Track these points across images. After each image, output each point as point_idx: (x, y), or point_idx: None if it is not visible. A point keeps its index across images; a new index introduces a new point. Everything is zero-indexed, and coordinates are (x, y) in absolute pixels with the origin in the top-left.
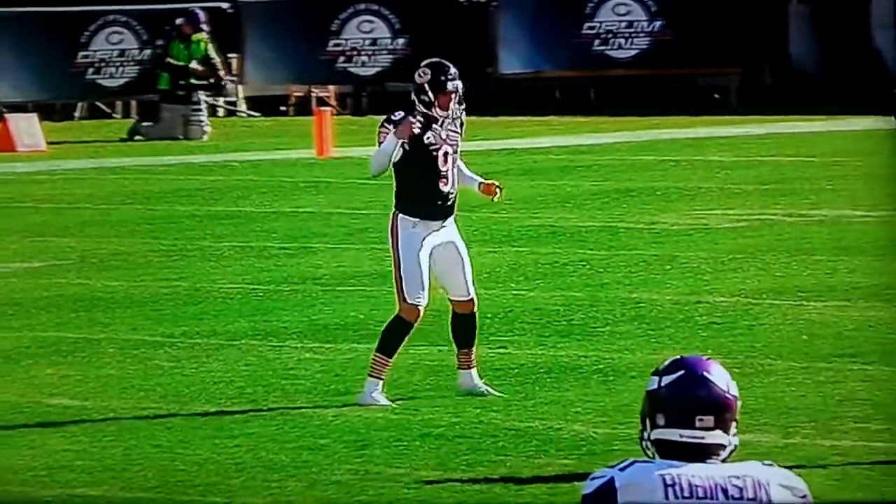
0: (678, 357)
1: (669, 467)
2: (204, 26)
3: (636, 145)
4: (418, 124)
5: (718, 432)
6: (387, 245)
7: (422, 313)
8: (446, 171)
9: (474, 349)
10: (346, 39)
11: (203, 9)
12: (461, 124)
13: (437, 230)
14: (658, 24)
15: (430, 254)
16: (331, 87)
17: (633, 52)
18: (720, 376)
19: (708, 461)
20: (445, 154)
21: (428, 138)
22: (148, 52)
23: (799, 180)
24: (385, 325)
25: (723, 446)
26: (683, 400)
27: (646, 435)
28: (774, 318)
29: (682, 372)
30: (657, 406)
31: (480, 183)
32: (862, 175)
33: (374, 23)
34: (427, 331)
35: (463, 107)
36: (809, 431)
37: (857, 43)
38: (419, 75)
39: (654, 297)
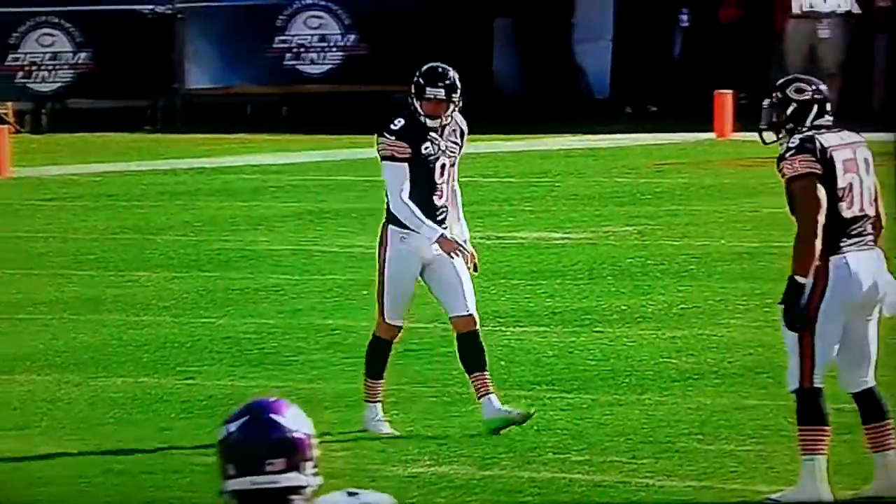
0: (248, 402)
1: None
2: None
3: (331, 164)
4: (462, 249)
5: (293, 474)
6: (67, 271)
7: (399, 333)
8: (441, 184)
9: (487, 372)
10: (24, 53)
11: None
12: (461, 134)
13: (430, 244)
14: (352, 38)
15: (423, 270)
16: (9, 104)
17: (325, 68)
18: (289, 416)
19: None
20: (443, 166)
21: (426, 148)
22: None
23: (497, 202)
24: (366, 348)
25: (302, 488)
26: (250, 445)
27: (223, 488)
28: None
29: (246, 417)
30: (226, 456)
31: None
32: (561, 196)
33: (54, 36)
34: (109, 361)
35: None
36: (507, 463)
37: (559, 59)
38: (413, 79)
39: (350, 324)
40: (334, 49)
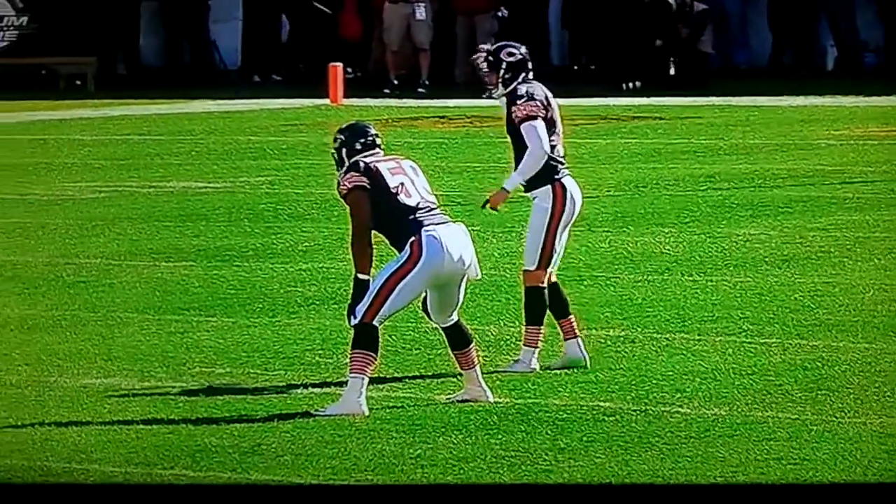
0: None
1: None
2: None
3: (9, 126)
4: None
5: None
6: None
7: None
8: None
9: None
10: None
11: None
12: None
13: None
14: (25, 19)
15: None
16: None
17: (3, 44)
18: None
19: None
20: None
21: None
22: None
23: (150, 156)
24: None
25: None
26: None
27: None
28: (131, 276)
29: None
30: None
31: None
32: (203, 151)
33: None
34: None
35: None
36: (162, 375)
37: (197, 36)
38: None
39: (29, 260)
40: (10, 28)
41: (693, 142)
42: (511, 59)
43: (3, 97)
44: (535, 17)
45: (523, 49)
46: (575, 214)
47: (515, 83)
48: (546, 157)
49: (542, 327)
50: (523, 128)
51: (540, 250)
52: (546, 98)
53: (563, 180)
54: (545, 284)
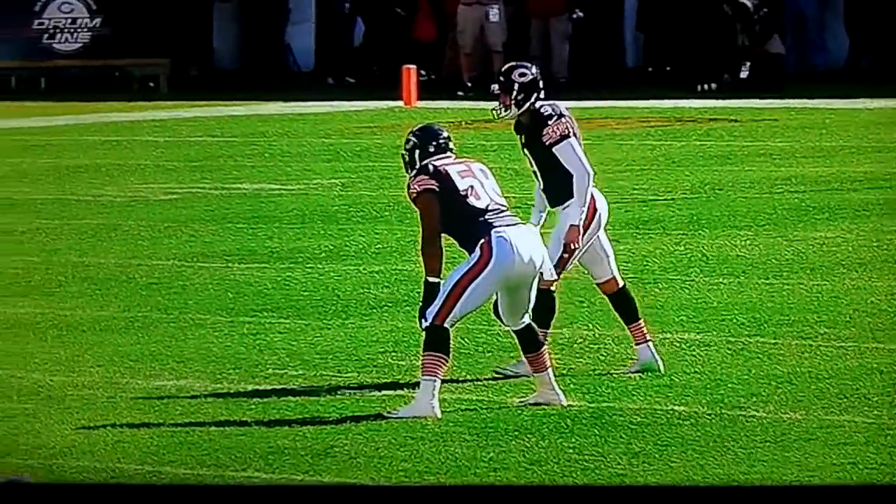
0: None
1: None
2: None
3: (82, 127)
4: None
5: None
6: None
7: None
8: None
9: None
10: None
11: None
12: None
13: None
14: (98, 20)
15: None
16: None
17: (77, 46)
18: None
19: None
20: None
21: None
22: None
23: (223, 158)
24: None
25: None
26: None
27: None
28: (203, 278)
29: None
30: None
31: None
32: (276, 153)
33: None
34: None
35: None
36: (235, 377)
37: (272, 39)
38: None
39: (101, 261)
40: (84, 30)
41: (769, 144)
42: (523, 79)
43: (76, 98)
44: (610, 19)
45: (535, 69)
46: (602, 226)
47: (528, 103)
48: (592, 175)
49: (549, 330)
50: (559, 149)
51: (558, 259)
52: (568, 112)
53: (591, 193)
54: (555, 288)
